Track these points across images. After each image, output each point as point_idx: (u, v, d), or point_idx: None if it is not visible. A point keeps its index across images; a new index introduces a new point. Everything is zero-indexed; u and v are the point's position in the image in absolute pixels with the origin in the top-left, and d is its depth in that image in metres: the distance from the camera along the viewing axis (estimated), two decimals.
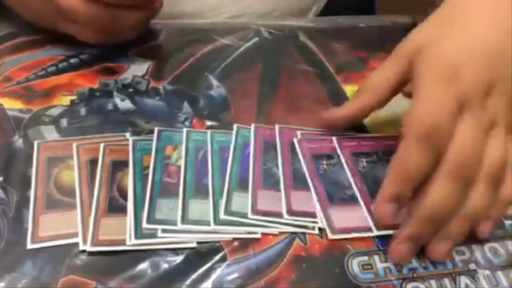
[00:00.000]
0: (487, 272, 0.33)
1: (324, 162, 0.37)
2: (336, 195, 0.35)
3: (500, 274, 0.33)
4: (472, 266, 0.33)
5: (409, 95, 0.35)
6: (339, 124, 0.39)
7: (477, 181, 0.31)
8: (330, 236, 0.33)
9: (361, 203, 0.35)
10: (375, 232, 0.33)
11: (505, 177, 0.32)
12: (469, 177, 0.31)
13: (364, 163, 0.37)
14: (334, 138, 0.39)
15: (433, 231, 0.32)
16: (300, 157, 0.37)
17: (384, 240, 0.33)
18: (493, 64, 0.32)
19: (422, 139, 0.30)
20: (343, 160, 0.37)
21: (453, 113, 0.30)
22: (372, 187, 0.35)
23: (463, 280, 0.32)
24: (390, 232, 0.33)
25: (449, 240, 0.32)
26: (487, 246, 0.34)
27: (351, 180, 0.36)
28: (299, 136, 0.39)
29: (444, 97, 0.30)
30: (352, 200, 0.35)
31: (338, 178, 0.36)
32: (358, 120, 0.39)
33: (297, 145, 0.38)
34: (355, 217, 0.34)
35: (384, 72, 0.37)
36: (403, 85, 0.36)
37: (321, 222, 0.34)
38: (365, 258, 0.33)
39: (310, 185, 0.36)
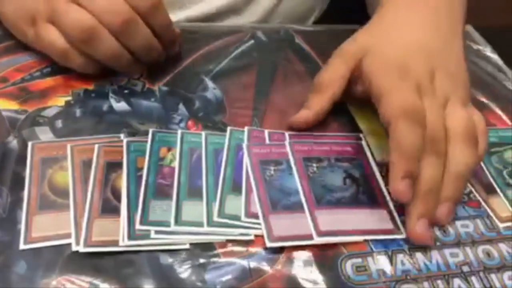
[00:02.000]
0: (480, 274, 0.33)
1: (272, 168, 0.37)
2: (279, 201, 0.35)
3: (493, 276, 0.33)
4: (465, 268, 0.33)
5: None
6: (305, 126, 0.40)
7: (452, 144, 0.35)
8: (268, 244, 0.32)
9: (305, 208, 0.34)
10: (316, 239, 0.33)
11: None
12: (443, 146, 0.35)
13: (315, 168, 0.37)
14: (286, 142, 0.39)
15: (436, 202, 0.34)
16: (247, 162, 0.37)
17: (378, 242, 0.34)
18: (431, 57, 0.38)
19: (410, 117, 0.33)
20: (292, 164, 0.37)
21: (418, 96, 0.35)
22: (320, 192, 0.35)
23: (456, 282, 0.32)
24: (329, 239, 0.33)
25: (447, 201, 0.34)
26: (480, 248, 0.34)
27: (299, 185, 0.36)
28: (247, 143, 0.38)
29: (405, 85, 0.35)
30: (296, 206, 0.35)
31: (284, 184, 0.36)
32: (321, 118, 0.40)
33: (245, 151, 0.37)
34: (296, 225, 0.34)
35: (334, 69, 0.40)
36: (355, 81, 0.40)
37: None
38: (359, 260, 0.33)
39: (254, 191, 0.35)
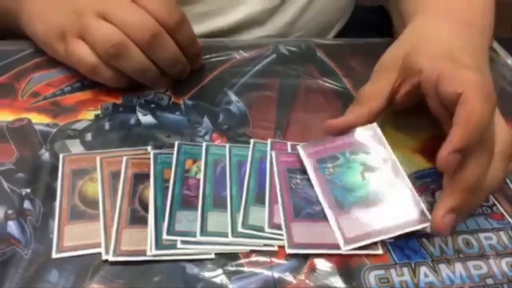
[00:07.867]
0: (504, 286, 0.33)
1: (298, 177, 0.37)
2: (303, 210, 0.35)
3: None
4: (489, 280, 0.33)
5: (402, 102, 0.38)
6: (339, 132, 0.39)
7: (495, 159, 0.34)
8: (288, 250, 0.33)
9: (330, 216, 0.34)
10: (343, 249, 0.33)
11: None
12: (493, 146, 0.34)
13: (331, 169, 0.37)
14: (299, 147, 0.38)
15: (471, 202, 0.34)
16: (274, 169, 0.37)
17: (401, 254, 0.34)
18: (464, 52, 0.38)
19: (482, 92, 0.32)
20: (308, 170, 0.37)
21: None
22: (341, 195, 0.35)
23: None
24: (356, 252, 0.33)
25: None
26: (504, 261, 0.34)
27: (318, 192, 0.36)
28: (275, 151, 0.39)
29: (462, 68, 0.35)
30: (320, 215, 0.35)
31: (308, 193, 0.36)
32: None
33: (273, 158, 0.38)
34: (319, 233, 0.34)
35: (376, 82, 0.40)
36: (395, 94, 0.39)
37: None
38: (382, 271, 0.33)
39: (279, 198, 0.36)
